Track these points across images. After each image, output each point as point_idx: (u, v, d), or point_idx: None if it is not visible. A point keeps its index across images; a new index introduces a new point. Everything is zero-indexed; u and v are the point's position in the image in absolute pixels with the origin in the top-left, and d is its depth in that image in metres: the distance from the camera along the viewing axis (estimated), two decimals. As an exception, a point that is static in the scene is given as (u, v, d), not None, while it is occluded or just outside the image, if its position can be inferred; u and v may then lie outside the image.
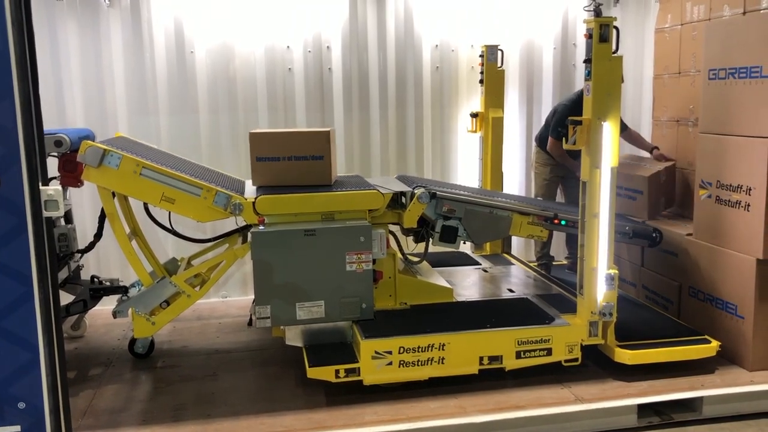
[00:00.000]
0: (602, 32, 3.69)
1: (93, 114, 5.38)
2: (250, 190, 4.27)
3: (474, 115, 5.63)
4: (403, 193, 4.23)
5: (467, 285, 4.82)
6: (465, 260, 5.42)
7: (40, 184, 2.79)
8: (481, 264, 5.33)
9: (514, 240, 5.98)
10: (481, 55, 5.55)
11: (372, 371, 3.73)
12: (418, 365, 3.77)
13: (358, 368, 3.71)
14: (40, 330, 2.85)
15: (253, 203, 3.93)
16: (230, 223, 4.62)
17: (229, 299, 5.75)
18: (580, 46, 6.08)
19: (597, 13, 3.70)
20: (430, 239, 4.34)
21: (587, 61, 3.75)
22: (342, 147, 5.77)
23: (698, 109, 4.88)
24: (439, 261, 5.12)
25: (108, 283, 4.57)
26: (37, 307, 2.83)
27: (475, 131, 5.66)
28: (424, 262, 4.63)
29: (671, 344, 4.01)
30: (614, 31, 3.71)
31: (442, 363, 3.79)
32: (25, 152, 2.75)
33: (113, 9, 5.32)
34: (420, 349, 3.76)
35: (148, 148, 4.45)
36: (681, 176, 5.21)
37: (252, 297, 5.63)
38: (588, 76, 3.76)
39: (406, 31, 5.82)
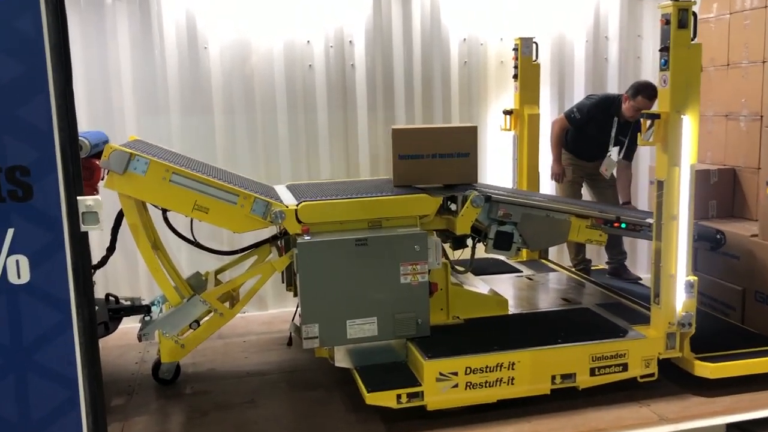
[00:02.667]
0: (681, 18, 3.39)
1: (97, 114, 4.93)
2: (285, 196, 3.88)
3: (508, 112, 5.29)
4: (452, 197, 3.87)
5: (515, 295, 4.48)
6: (503, 267, 5.07)
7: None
8: (522, 271, 4.98)
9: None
10: (514, 49, 5.22)
11: (436, 394, 3.36)
12: (486, 387, 3.41)
13: (422, 392, 3.34)
14: (79, 364, 2.43)
15: (296, 211, 3.55)
16: (249, 234, 4.20)
17: (248, 314, 5.32)
18: (612, 39, 5.81)
19: (674, -4, 3.37)
20: (478, 246, 4.00)
21: (664, 49, 3.44)
22: (366, 148, 5.43)
23: (752, 103, 4.62)
24: (476, 269, 4.76)
25: (128, 303, 4.13)
26: (75, 337, 2.42)
27: (509, 129, 5.32)
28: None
29: (752, 355, 3.71)
30: (693, 16, 3.41)
31: (512, 383, 3.44)
32: (61, 157, 2.34)
33: (119, 1, 4.89)
34: (488, 369, 3.40)
35: (171, 152, 4.02)
36: (730, 174, 4.93)
37: (273, 311, 5.35)
38: (665, 65, 3.45)
39: (432, 25, 5.47)
